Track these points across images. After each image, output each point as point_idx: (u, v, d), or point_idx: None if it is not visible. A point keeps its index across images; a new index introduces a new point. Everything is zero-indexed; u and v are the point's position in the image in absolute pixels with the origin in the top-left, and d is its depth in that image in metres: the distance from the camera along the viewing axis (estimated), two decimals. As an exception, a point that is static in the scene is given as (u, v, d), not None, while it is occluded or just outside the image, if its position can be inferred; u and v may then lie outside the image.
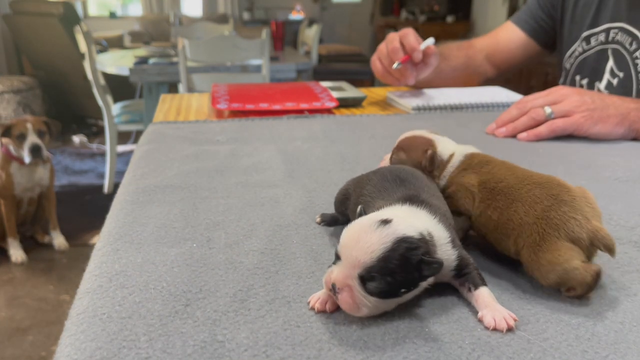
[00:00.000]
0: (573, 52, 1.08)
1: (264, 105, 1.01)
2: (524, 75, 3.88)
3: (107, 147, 2.97)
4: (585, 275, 0.37)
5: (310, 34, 3.98)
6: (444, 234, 0.38)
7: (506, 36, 1.20)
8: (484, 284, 0.38)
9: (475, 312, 0.37)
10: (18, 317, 1.89)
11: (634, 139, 0.83)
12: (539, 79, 3.73)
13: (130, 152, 3.58)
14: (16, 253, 2.27)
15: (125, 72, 2.70)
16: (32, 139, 2.17)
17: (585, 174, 0.66)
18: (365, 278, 0.34)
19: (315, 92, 1.10)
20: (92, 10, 6.58)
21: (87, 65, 2.82)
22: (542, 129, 0.82)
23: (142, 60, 2.81)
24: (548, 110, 0.82)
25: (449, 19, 6.10)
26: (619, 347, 0.34)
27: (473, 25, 6.01)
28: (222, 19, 5.33)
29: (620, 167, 0.69)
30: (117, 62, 2.87)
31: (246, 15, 6.91)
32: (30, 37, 4.14)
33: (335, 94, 1.08)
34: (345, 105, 1.09)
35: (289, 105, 1.02)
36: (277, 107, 1.01)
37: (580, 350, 0.33)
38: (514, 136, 0.84)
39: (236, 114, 1.00)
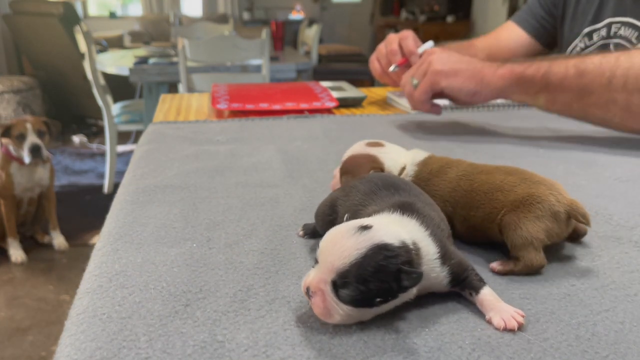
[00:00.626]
0: (574, 48, 1.07)
1: (264, 105, 1.01)
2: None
3: (107, 147, 2.97)
4: (538, 257, 0.41)
5: (310, 34, 3.98)
6: (432, 249, 0.36)
7: (507, 36, 1.20)
8: (484, 284, 0.37)
9: (475, 312, 0.37)
10: (18, 317, 1.89)
11: (494, 134, 0.82)
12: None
13: (130, 152, 3.58)
14: (16, 253, 2.27)
15: (125, 72, 2.70)
16: (31, 139, 2.17)
17: (585, 174, 0.66)
18: (337, 284, 0.33)
19: (315, 92, 1.10)
20: (92, 10, 6.58)
21: (87, 65, 2.82)
22: (415, 104, 0.84)
23: (142, 60, 2.81)
24: (414, 81, 0.83)
25: (449, 19, 6.10)
26: (619, 347, 0.33)
27: (473, 25, 6.01)
28: (222, 19, 5.33)
29: (620, 167, 0.69)
30: (117, 62, 2.87)
31: (246, 15, 6.91)
32: (30, 37, 4.14)
33: (335, 94, 1.08)
34: (345, 105, 1.09)
35: (289, 105, 1.02)
36: (277, 107, 1.01)
37: (580, 350, 0.33)
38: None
39: (236, 114, 1.00)
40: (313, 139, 0.83)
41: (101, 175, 3.24)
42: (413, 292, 0.35)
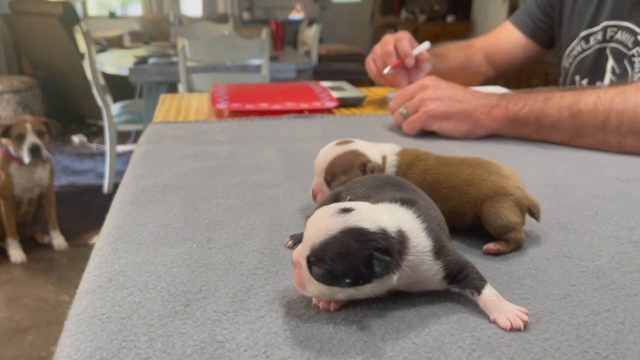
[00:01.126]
0: (571, 51, 1.07)
1: (264, 105, 1.01)
2: (524, 75, 3.88)
3: (107, 147, 2.97)
4: (522, 236, 0.46)
5: (310, 34, 3.98)
6: (425, 241, 0.36)
7: (505, 37, 1.19)
8: (485, 283, 0.37)
9: (475, 312, 0.37)
10: (18, 317, 1.89)
11: (494, 135, 0.82)
12: (539, 78, 3.73)
13: (130, 152, 3.58)
14: (16, 253, 2.27)
15: (125, 72, 2.70)
16: (31, 139, 2.16)
17: (585, 173, 0.66)
18: (310, 261, 0.35)
19: (315, 92, 1.10)
20: (92, 10, 6.58)
21: (86, 65, 2.82)
22: (403, 128, 0.85)
23: (142, 60, 2.81)
24: (403, 111, 0.84)
25: (449, 18, 6.10)
26: (619, 347, 0.33)
27: (473, 25, 6.01)
28: (222, 19, 5.33)
29: (620, 167, 0.69)
30: (117, 62, 2.87)
31: (246, 15, 6.91)
32: (30, 37, 4.14)
33: (335, 94, 1.08)
34: (345, 105, 1.09)
35: (289, 105, 1.02)
36: (277, 107, 1.01)
37: (581, 351, 0.33)
38: None
39: (236, 114, 1.00)
40: (313, 139, 0.83)
41: (101, 175, 3.24)
42: (393, 280, 0.35)
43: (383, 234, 0.34)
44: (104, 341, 0.34)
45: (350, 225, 0.34)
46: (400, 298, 0.38)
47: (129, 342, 0.34)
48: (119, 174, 3.10)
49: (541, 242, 0.48)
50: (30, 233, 2.44)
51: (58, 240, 2.38)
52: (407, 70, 1.05)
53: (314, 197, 0.52)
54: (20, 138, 2.16)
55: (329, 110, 1.03)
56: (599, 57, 1.01)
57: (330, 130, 0.88)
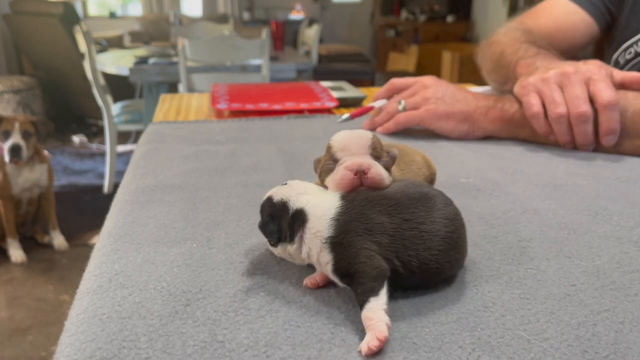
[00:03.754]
0: (630, 45, 0.94)
1: (263, 105, 1.01)
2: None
3: (107, 147, 2.97)
4: None
5: (310, 34, 3.98)
6: (324, 229, 0.37)
7: (569, 18, 1.00)
8: (366, 301, 0.34)
9: (475, 311, 0.37)
10: (18, 317, 1.89)
11: (490, 137, 0.81)
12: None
13: (130, 152, 3.58)
14: (16, 253, 2.27)
15: (125, 72, 2.70)
16: (14, 138, 2.14)
17: (584, 173, 0.66)
18: None
19: (315, 92, 1.10)
20: (92, 10, 6.58)
21: (87, 65, 2.82)
22: (390, 124, 0.83)
23: (142, 60, 2.81)
24: (402, 104, 0.82)
25: (449, 18, 6.10)
26: (619, 347, 0.33)
27: (473, 25, 6.02)
28: (222, 19, 5.33)
29: (619, 166, 0.69)
30: (117, 62, 2.87)
31: (246, 15, 6.91)
32: (30, 37, 4.14)
33: (335, 94, 1.08)
34: (345, 105, 1.09)
35: (289, 105, 1.02)
36: (277, 107, 1.01)
37: (580, 351, 0.33)
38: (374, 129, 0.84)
39: (236, 114, 1.00)
40: (313, 139, 0.83)
41: (101, 175, 3.24)
42: (295, 250, 0.39)
43: (281, 206, 0.40)
44: (104, 341, 0.34)
45: (270, 194, 0.41)
46: (400, 298, 0.38)
47: (129, 342, 0.34)
48: (119, 174, 3.10)
49: (541, 242, 0.48)
50: (31, 233, 2.44)
51: (58, 240, 2.38)
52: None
53: (363, 172, 0.41)
54: (5, 135, 2.16)
55: (329, 110, 1.03)
56: None
57: (330, 130, 0.88)
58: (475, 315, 0.37)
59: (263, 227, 0.40)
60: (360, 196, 0.40)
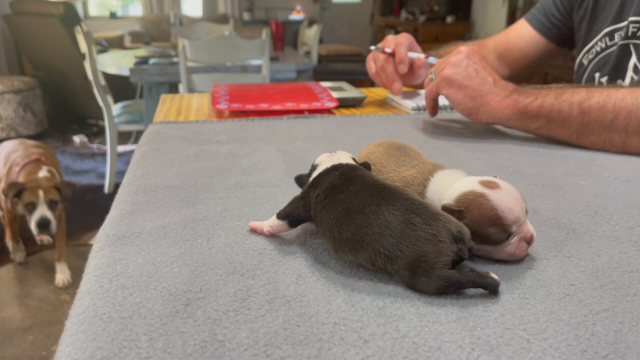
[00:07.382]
0: (592, 47, 1.02)
1: (264, 106, 1.01)
2: (524, 75, 3.88)
3: (108, 147, 2.97)
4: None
5: (310, 34, 3.98)
6: (326, 181, 0.45)
7: (517, 34, 1.16)
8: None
9: (474, 311, 0.37)
10: (18, 317, 1.89)
11: (494, 134, 0.83)
12: (539, 78, 3.73)
13: (130, 152, 3.58)
14: (16, 253, 2.27)
15: (125, 72, 2.70)
16: (41, 211, 1.94)
17: (585, 173, 0.66)
18: None
19: (315, 92, 1.10)
20: (93, 11, 6.59)
21: (87, 65, 2.82)
22: (427, 103, 0.87)
23: (143, 61, 2.81)
24: (432, 75, 0.84)
25: (449, 19, 6.10)
26: (618, 347, 0.34)
27: (473, 25, 6.01)
28: (222, 19, 5.34)
29: (619, 166, 0.69)
30: (118, 62, 2.88)
31: (246, 16, 6.91)
32: (31, 37, 4.14)
33: (335, 94, 1.08)
34: (345, 105, 1.09)
35: (289, 105, 1.02)
36: (277, 107, 1.01)
37: (580, 350, 0.33)
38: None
39: (236, 114, 1.00)
40: (313, 139, 0.83)
41: (101, 175, 3.24)
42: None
43: (313, 171, 0.48)
44: (104, 341, 0.34)
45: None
46: (400, 298, 0.38)
47: (129, 341, 0.34)
48: (119, 174, 3.11)
49: (541, 242, 0.48)
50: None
51: (61, 275, 2.10)
52: (402, 75, 1.04)
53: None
54: (30, 207, 1.95)
55: (329, 111, 1.03)
56: (622, 55, 0.97)
57: (330, 131, 0.88)
58: (474, 314, 0.37)
59: (300, 181, 0.50)
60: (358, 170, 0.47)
